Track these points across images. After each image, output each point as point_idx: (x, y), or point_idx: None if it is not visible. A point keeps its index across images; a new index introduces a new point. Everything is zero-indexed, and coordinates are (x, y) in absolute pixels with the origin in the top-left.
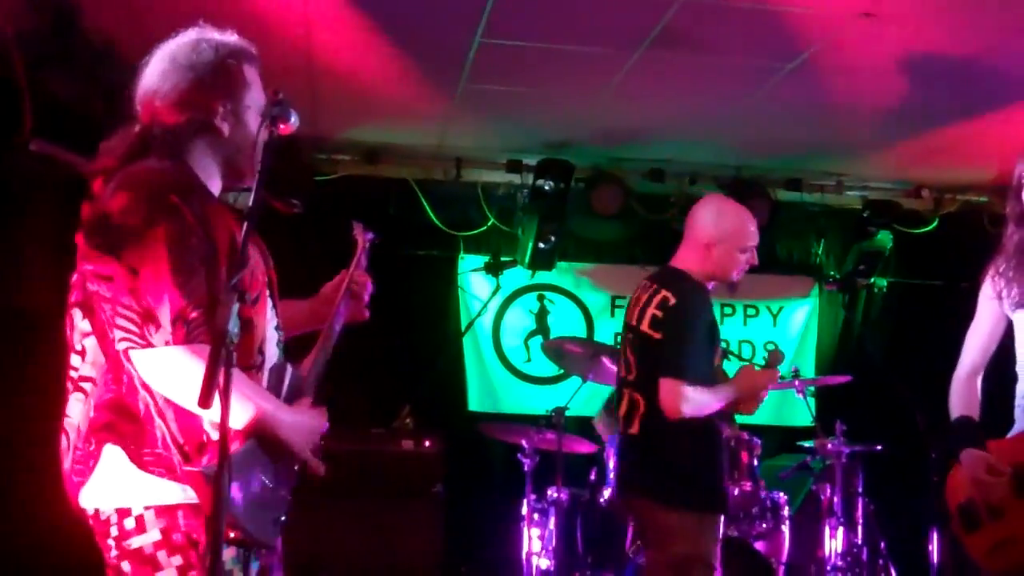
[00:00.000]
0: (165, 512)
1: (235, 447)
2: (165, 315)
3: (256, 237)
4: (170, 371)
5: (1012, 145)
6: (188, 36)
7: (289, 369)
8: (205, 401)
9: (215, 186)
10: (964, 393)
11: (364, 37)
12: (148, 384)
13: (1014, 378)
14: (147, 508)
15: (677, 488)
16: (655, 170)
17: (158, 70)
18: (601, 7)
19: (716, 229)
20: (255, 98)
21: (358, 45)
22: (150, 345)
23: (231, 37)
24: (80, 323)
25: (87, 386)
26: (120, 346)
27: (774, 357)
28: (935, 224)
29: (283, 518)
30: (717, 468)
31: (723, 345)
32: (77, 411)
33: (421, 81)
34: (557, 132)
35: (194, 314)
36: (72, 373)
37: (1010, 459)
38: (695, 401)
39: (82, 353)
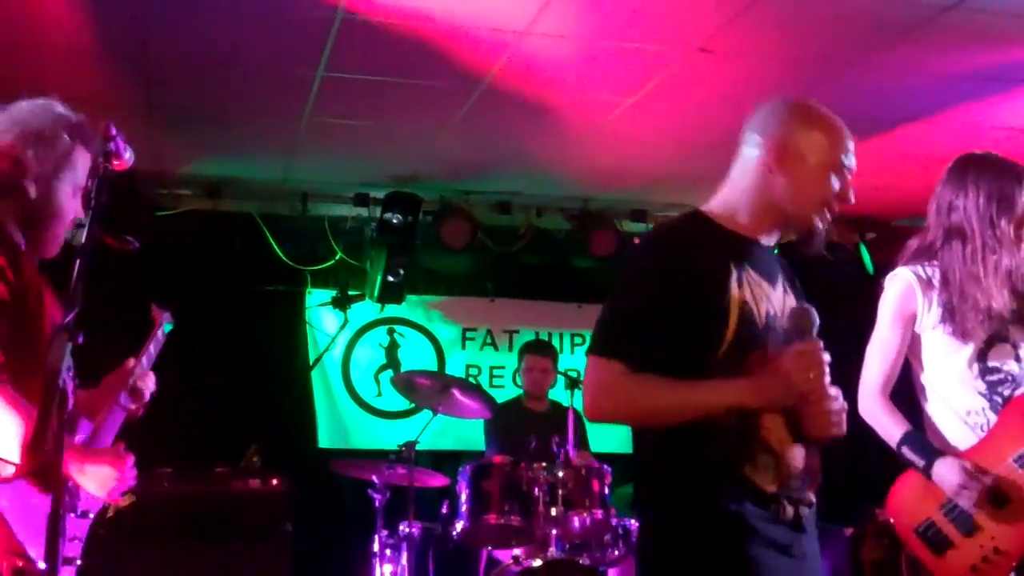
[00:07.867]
0: None
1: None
2: None
3: (46, 283)
4: None
5: None
6: (39, 101)
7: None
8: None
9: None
10: (892, 407)
11: (204, 70)
12: None
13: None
14: None
15: None
16: (502, 203)
17: None
18: (443, 42)
19: None
20: (76, 179)
21: (198, 78)
22: None
23: (80, 117)
24: None
25: None
26: None
27: (799, 317)
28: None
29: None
30: None
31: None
32: None
33: (264, 115)
34: (404, 165)
35: None
36: None
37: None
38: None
39: None
